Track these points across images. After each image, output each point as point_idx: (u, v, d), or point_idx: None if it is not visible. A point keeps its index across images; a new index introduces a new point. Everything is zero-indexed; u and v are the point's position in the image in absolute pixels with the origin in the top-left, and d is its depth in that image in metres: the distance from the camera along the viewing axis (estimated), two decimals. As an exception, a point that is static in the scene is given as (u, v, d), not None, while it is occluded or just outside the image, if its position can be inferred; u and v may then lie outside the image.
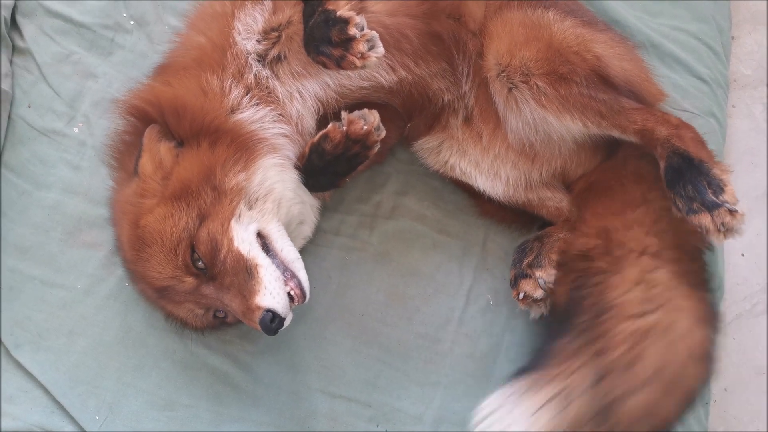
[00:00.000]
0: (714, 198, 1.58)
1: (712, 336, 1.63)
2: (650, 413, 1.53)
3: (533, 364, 1.59)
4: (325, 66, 1.62)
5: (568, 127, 1.77)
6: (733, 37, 2.56)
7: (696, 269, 1.72)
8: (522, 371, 1.59)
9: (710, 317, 1.65)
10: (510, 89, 1.79)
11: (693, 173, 1.62)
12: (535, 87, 1.74)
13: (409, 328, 1.88)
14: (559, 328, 1.66)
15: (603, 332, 1.58)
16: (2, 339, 1.76)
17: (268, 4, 1.77)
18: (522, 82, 1.76)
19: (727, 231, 1.58)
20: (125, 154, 1.75)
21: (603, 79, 1.73)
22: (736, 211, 1.57)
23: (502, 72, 1.79)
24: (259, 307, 1.51)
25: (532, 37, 1.76)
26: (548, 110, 1.75)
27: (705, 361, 1.60)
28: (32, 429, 1.67)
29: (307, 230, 1.86)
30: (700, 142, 1.70)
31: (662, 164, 1.68)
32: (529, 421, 1.48)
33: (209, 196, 1.60)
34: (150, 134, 1.65)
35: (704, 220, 1.58)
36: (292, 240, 1.69)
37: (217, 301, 1.59)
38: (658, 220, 1.74)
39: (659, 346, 1.56)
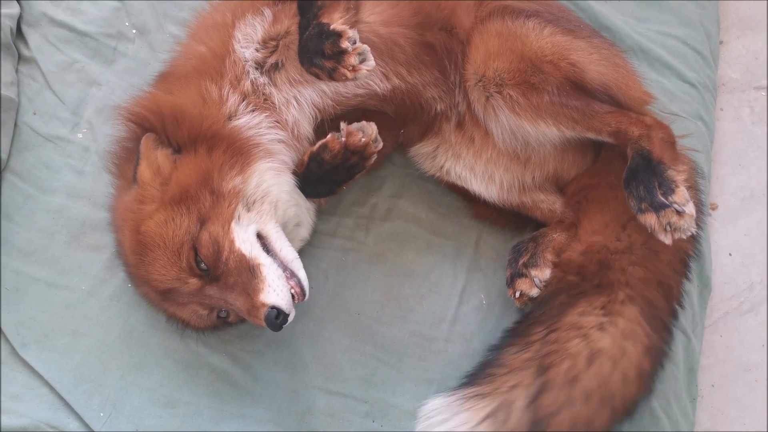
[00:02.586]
0: (663, 199, 1.64)
1: (655, 366, 1.71)
2: (583, 425, 1.61)
3: (479, 372, 1.68)
4: (317, 77, 1.68)
5: (544, 132, 1.83)
6: (721, 42, 2.61)
7: (667, 310, 1.78)
8: (469, 379, 1.68)
9: (659, 353, 1.73)
10: (487, 98, 1.85)
11: (647, 174, 1.68)
12: (508, 97, 1.80)
13: (404, 326, 1.93)
14: (511, 336, 1.75)
15: (551, 350, 1.66)
16: (9, 339, 1.81)
17: (268, 15, 1.82)
18: (496, 92, 1.82)
19: (674, 230, 1.63)
20: (124, 162, 1.80)
21: (576, 86, 1.79)
22: (683, 211, 1.62)
23: (479, 82, 1.86)
24: (264, 304, 1.56)
25: (506, 48, 1.82)
26: (522, 118, 1.81)
27: (644, 382, 1.68)
28: (39, 425, 1.71)
29: (304, 232, 1.91)
30: (669, 143, 1.75)
31: (627, 164, 1.73)
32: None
33: (208, 200, 1.64)
34: (146, 142, 1.69)
35: (650, 219, 1.64)
36: (290, 241, 1.74)
37: (221, 301, 1.63)
38: (646, 240, 1.80)
39: (603, 368, 1.64)
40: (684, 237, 1.64)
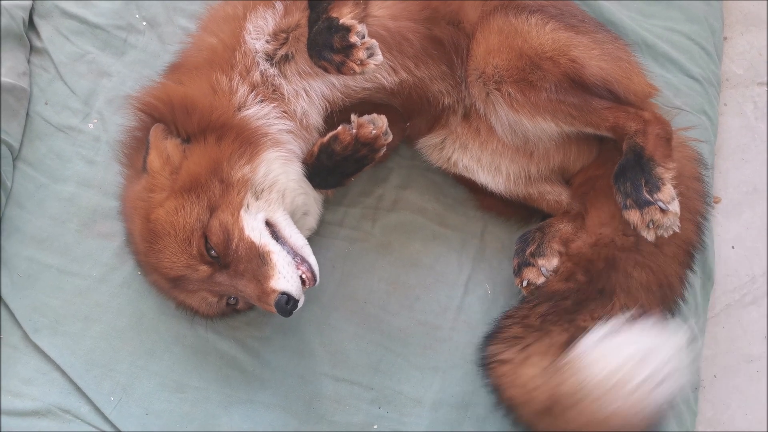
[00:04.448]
0: (648, 196, 1.66)
1: None
2: None
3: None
4: (326, 70, 1.70)
5: (542, 127, 1.87)
6: (725, 38, 2.63)
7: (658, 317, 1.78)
8: None
9: None
10: (487, 94, 1.89)
11: (635, 171, 1.71)
12: (506, 94, 1.83)
13: (410, 315, 1.95)
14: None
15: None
16: (22, 324, 1.84)
17: (280, 8, 1.84)
18: (495, 89, 1.85)
19: (657, 227, 1.66)
20: (134, 151, 1.82)
21: (575, 82, 1.80)
22: (667, 209, 1.64)
23: (479, 78, 1.88)
24: (274, 291, 1.59)
25: (506, 45, 1.84)
26: (521, 114, 1.85)
27: None
28: (50, 409, 1.74)
29: (312, 222, 1.93)
30: (664, 139, 1.77)
31: (620, 159, 1.76)
32: None
33: (218, 188, 1.67)
34: (155, 132, 1.71)
35: (633, 216, 1.68)
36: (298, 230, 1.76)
37: (230, 288, 1.65)
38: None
39: None
40: (666, 235, 1.67)
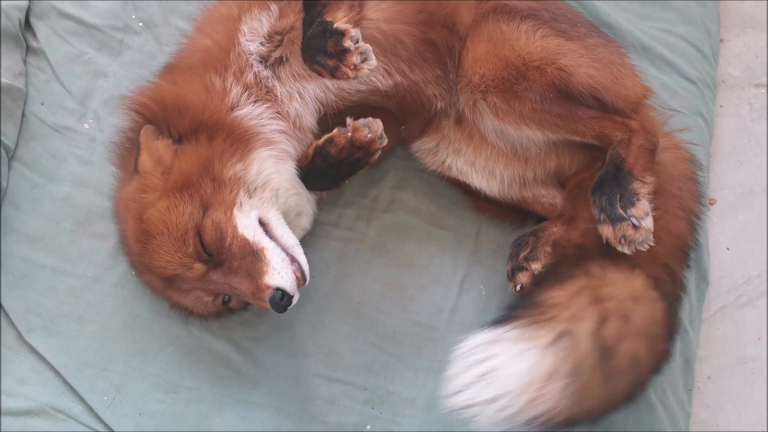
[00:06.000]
0: (621, 212, 1.67)
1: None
2: (637, 362, 1.55)
3: (524, 304, 1.57)
4: (320, 74, 1.70)
5: (528, 136, 1.88)
6: (722, 40, 2.63)
7: (672, 290, 1.76)
8: (514, 311, 1.56)
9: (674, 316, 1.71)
10: (474, 102, 1.90)
11: (612, 185, 1.71)
12: (492, 103, 1.85)
13: (404, 316, 1.95)
14: (549, 281, 1.64)
15: (599, 284, 1.59)
16: (15, 324, 1.84)
17: (275, 10, 1.85)
18: (481, 98, 1.86)
19: (629, 243, 1.65)
20: (127, 152, 1.83)
21: (561, 92, 1.80)
22: (640, 225, 1.64)
23: (467, 86, 1.89)
24: (268, 286, 1.59)
25: (493, 54, 1.85)
26: (506, 123, 1.86)
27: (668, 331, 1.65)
28: (43, 408, 1.74)
29: (306, 222, 1.93)
30: (647, 150, 1.77)
31: (601, 170, 1.76)
32: (534, 358, 1.44)
33: (210, 187, 1.67)
34: (146, 133, 1.72)
35: (607, 231, 1.68)
36: (291, 230, 1.76)
37: (225, 286, 1.65)
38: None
39: (644, 310, 1.58)
40: (642, 249, 1.66)
